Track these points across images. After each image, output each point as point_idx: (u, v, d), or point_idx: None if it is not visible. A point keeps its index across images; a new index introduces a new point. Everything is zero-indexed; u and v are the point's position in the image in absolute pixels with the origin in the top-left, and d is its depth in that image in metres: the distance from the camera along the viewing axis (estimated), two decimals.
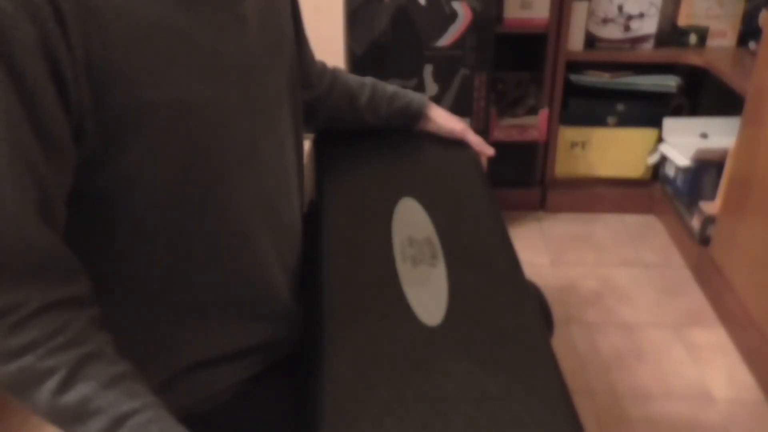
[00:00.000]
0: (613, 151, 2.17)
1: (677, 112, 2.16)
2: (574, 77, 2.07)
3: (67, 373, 0.57)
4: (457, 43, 1.79)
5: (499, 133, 2.08)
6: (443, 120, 1.09)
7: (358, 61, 1.79)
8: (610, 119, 2.13)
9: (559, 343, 1.65)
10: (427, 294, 0.76)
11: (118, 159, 0.61)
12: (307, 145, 1.01)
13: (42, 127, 0.55)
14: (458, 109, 1.87)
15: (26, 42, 0.51)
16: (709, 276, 1.85)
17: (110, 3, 0.56)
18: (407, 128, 1.11)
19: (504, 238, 0.87)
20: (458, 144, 1.09)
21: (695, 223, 1.94)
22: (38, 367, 0.56)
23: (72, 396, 0.56)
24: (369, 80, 1.07)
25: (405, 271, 0.80)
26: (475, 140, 1.08)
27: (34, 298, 0.57)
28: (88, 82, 0.56)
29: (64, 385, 0.57)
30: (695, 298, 1.87)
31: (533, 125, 2.08)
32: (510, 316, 0.74)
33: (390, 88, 1.09)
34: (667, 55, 2.04)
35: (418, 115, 1.08)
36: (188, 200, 0.67)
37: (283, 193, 0.80)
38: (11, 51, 0.51)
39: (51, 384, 0.56)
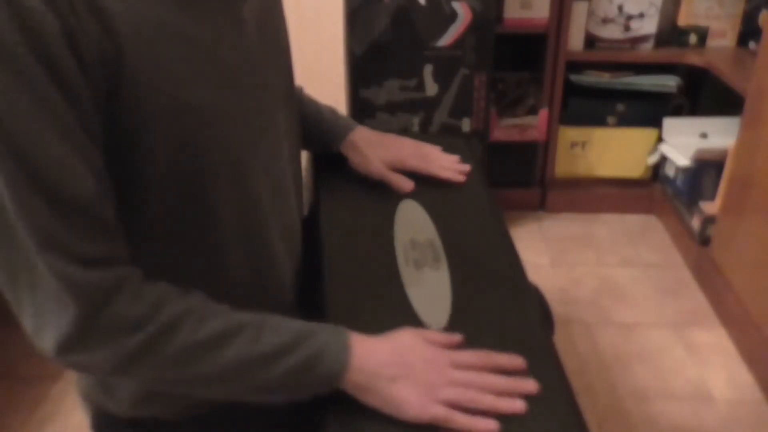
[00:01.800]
0: (613, 151, 2.17)
1: (677, 112, 2.16)
2: (574, 77, 2.07)
3: (201, 307, 0.64)
4: (457, 43, 1.79)
5: (499, 133, 2.08)
6: (361, 159, 1.00)
7: (358, 61, 1.79)
8: (610, 119, 2.13)
9: (559, 343, 1.65)
10: (431, 297, 0.76)
11: (121, 159, 0.61)
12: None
13: (83, 115, 0.56)
14: (458, 109, 1.87)
15: (56, 35, 0.52)
16: (709, 276, 1.85)
17: (116, 5, 0.56)
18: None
19: (506, 239, 0.88)
20: (457, 145, 1.09)
21: (695, 223, 1.94)
22: (175, 312, 0.62)
23: (213, 323, 0.63)
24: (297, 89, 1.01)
25: (408, 274, 0.80)
26: (395, 179, 0.98)
27: (135, 269, 0.63)
28: (103, 79, 0.56)
29: (203, 318, 0.63)
30: (695, 298, 1.87)
31: (533, 125, 2.08)
32: (513, 319, 0.74)
33: (309, 108, 1.02)
34: (667, 55, 2.05)
35: (327, 149, 1.02)
36: (194, 198, 0.68)
37: (281, 194, 0.80)
38: (46, 44, 0.52)
39: (189, 323, 0.62)
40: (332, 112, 1.05)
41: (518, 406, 0.64)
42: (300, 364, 0.64)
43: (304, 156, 1.00)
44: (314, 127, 1.01)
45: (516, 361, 0.68)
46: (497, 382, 0.66)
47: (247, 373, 0.64)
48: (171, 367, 0.63)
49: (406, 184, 0.98)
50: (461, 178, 1.00)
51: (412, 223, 0.89)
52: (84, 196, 0.57)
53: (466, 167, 1.02)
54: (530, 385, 0.66)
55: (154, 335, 0.60)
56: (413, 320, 0.73)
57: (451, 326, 0.73)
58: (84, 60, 0.55)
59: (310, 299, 0.84)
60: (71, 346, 0.59)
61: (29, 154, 0.54)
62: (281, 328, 0.66)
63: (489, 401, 0.65)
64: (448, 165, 1.02)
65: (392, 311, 0.75)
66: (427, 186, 0.98)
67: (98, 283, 0.59)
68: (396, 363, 0.67)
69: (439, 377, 0.66)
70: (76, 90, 0.55)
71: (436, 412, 0.64)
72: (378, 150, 1.00)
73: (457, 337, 0.71)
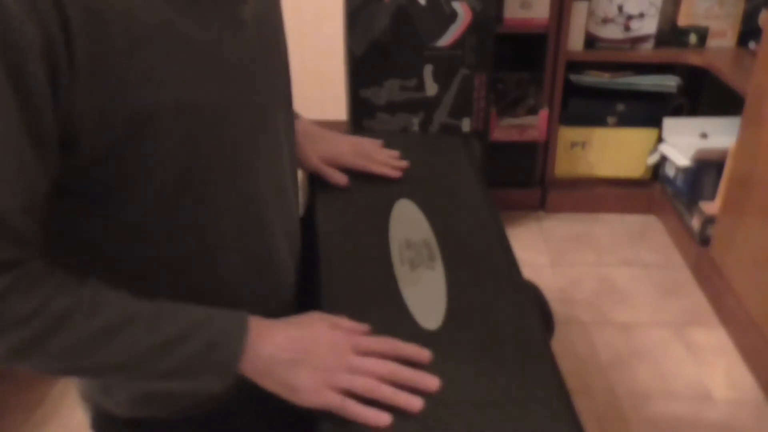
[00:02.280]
0: (613, 151, 2.17)
1: (677, 112, 2.16)
2: (574, 77, 2.07)
3: (92, 298, 0.62)
4: (457, 43, 1.79)
5: (499, 133, 2.08)
6: (299, 152, 0.97)
7: (358, 61, 1.79)
8: (610, 119, 2.13)
9: (558, 343, 1.65)
10: (426, 297, 0.76)
11: (122, 161, 0.62)
12: None
13: (37, 129, 0.55)
14: (458, 109, 1.87)
15: (31, 44, 0.52)
16: (709, 276, 1.85)
17: (115, 7, 0.56)
18: None
19: (501, 237, 0.87)
20: (452, 144, 1.09)
21: (695, 223, 1.94)
22: (65, 304, 0.60)
23: (106, 312, 0.62)
24: None
25: (403, 274, 0.80)
26: (330, 173, 0.99)
27: (35, 264, 0.60)
28: (86, 86, 0.56)
29: (96, 308, 0.61)
30: (695, 298, 1.87)
31: (533, 125, 2.08)
32: (509, 319, 0.74)
33: None
34: (667, 55, 2.04)
35: None
36: (194, 198, 0.68)
37: (281, 193, 0.80)
38: (15, 52, 0.51)
39: (81, 313, 0.60)
40: None
41: (415, 403, 0.63)
42: (195, 352, 0.64)
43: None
44: None
45: (422, 353, 0.67)
46: (399, 373, 0.65)
47: (143, 362, 0.63)
48: (62, 358, 0.61)
49: (341, 179, 0.98)
50: (397, 174, 1.00)
51: (408, 223, 0.89)
52: (4, 207, 0.55)
53: (403, 163, 1.02)
54: (432, 382, 0.65)
55: (41, 329, 0.59)
56: (408, 320, 0.73)
57: (446, 326, 0.73)
58: (57, 71, 0.54)
59: (306, 299, 0.84)
60: None
61: None
62: (178, 316, 0.65)
63: (387, 393, 0.64)
64: (384, 161, 1.02)
65: (387, 311, 0.75)
66: (422, 185, 0.97)
67: None
68: (294, 348, 0.66)
69: (337, 362, 0.65)
70: (37, 102, 0.54)
71: (329, 399, 0.63)
72: (317, 145, 1.01)
73: (364, 327, 0.70)
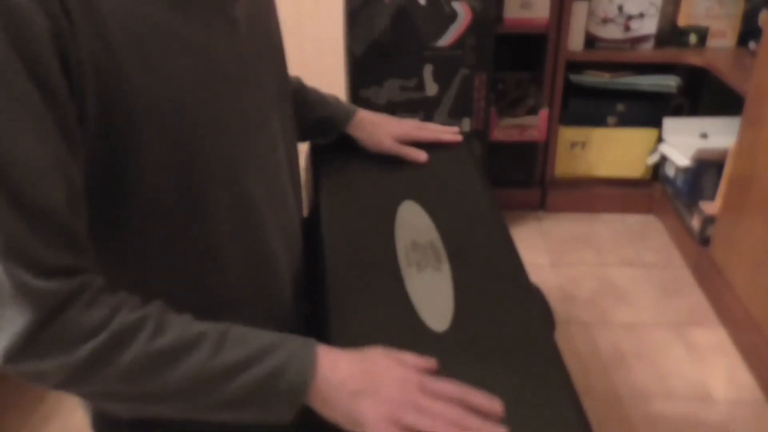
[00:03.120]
0: (613, 151, 2.17)
1: (677, 112, 2.16)
2: (574, 77, 2.07)
3: (158, 316, 0.61)
4: (457, 43, 1.79)
5: (499, 133, 2.08)
6: (371, 137, 1.05)
7: (358, 61, 1.79)
8: (610, 119, 2.13)
9: (559, 343, 1.65)
10: (433, 299, 0.76)
11: (121, 160, 0.61)
12: (302, 150, 1.00)
13: (61, 120, 0.55)
14: (458, 109, 1.87)
15: (42, 34, 0.52)
16: (709, 276, 1.85)
17: (109, 3, 0.56)
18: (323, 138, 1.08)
19: (506, 239, 0.87)
20: (454, 145, 1.09)
21: (695, 223, 1.94)
22: (130, 320, 0.59)
23: (170, 334, 0.61)
24: (295, 80, 1.04)
25: (410, 276, 0.79)
26: (409, 151, 1.05)
27: (96, 278, 0.60)
28: (90, 81, 0.56)
29: (160, 328, 0.60)
30: (695, 298, 1.87)
31: (533, 125, 2.08)
32: (516, 320, 0.74)
33: (313, 95, 1.06)
34: (667, 55, 2.05)
35: (336, 131, 1.06)
36: (190, 198, 0.67)
37: (277, 193, 0.80)
38: (29, 42, 0.51)
39: (146, 332, 0.60)
40: (334, 97, 1.08)
41: None
42: (264, 377, 0.62)
43: (303, 156, 1.00)
44: (320, 111, 1.05)
45: (494, 405, 0.63)
46: (466, 421, 0.61)
47: (209, 387, 0.61)
48: (124, 379, 0.59)
49: (421, 155, 1.04)
50: (458, 138, 1.10)
51: (413, 225, 0.88)
52: (52, 203, 0.55)
53: (457, 129, 1.11)
54: None
55: (105, 344, 0.58)
56: (416, 322, 0.73)
57: (454, 327, 0.73)
58: (70, 62, 0.54)
59: (312, 302, 0.84)
60: (20, 353, 0.57)
61: None
62: (246, 340, 0.64)
63: None
64: (442, 130, 1.10)
65: (395, 313, 0.74)
66: (427, 187, 0.97)
67: (55, 291, 0.56)
68: (363, 378, 0.63)
69: (405, 399, 0.62)
70: (57, 93, 0.54)
71: None
72: (386, 128, 1.06)
73: (432, 363, 0.67)
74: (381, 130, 1.05)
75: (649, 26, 2.02)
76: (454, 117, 1.88)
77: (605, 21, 2.02)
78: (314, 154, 1.09)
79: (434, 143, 1.07)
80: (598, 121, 2.14)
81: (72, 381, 0.59)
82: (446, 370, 0.67)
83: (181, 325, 0.62)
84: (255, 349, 0.63)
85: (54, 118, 0.54)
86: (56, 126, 0.55)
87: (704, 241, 1.89)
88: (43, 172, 0.54)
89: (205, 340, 0.62)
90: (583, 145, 2.17)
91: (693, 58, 2.00)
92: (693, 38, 2.05)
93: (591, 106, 2.11)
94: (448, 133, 1.09)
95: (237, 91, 0.70)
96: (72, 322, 0.57)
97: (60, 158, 0.56)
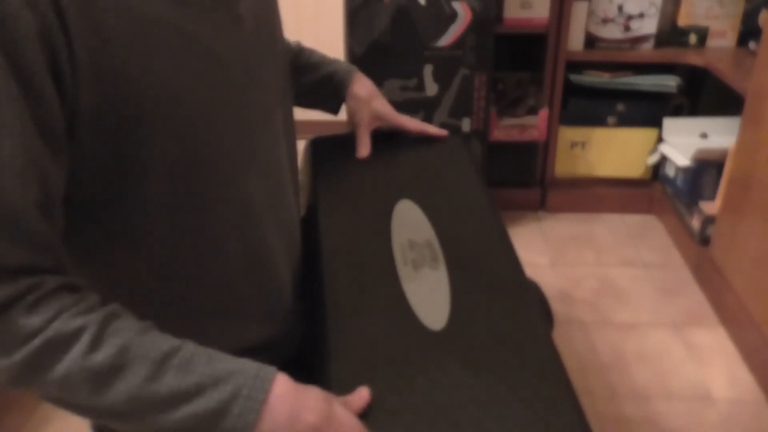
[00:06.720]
0: (613, 151, 2.17)
1: (677, 112, 2.16)
2: (574, 77, 2.07)
3: (97, 329, 0.56)
4: (457, 43, 1.79)
5: (499, 133, 2.08)
6: (358, 110, 1.05)
7: (358, 61, 1.79)
8: (610, 119, 2.13)
9: (558, 343, 1.65)
10: (430, 297, 0.76)
11: (123, 156, 0.61)
12: (299, 149, 1.00)
13: (42, 119, 0.54)
14: (458, 109, 1.87)
15: (27, 31, 0.51)
16: (709, 276, 1.85)
17: (109, 0, 0.56)
18: (331, 106, 1.07)
19: (504, 238, 0.87)
20: (451, 143, 1.09)
21: (695, 223, 1.94)
22: (66, 330, 0.55)
23: (106, 350, 0.55)
24: (295, 44, 1.04)
25: (406, 275, 0.79)
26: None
27: (49, 280, 0.56)
28: (86, 78, 0.56)
29: (96, 342, 0.55)
30: (695, 298, 1.87)
31: (533, 125, 2.08)
32: (513, 318, 0.74)
33: (315, 56, 1.06)
34: (667, 55, 2.04)
35: (341, 86, 1.04)
36: (192, 197, 0.68)
37: (278, 192, 0.80)
38: (13, 39, 0.51)
39: (81, 345, 0.55)
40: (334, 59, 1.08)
41: None
42: (204, 413, 0.56)
43: (301, 155, 1.00)
44: (324, 69, 1.04)
45: None
46: None
47: (147, 411, 0.57)
48: (63, 390, 0.56)
49: (366, 150, 1.03)
50: (444, 132, 1.10)
51: (410, 224, 0.88)
52: (18, 202, 0.53)
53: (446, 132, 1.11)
54: None
55: (39, 350, 0.54)
56: (413, 320, 0.73)
57: (450, 326, 0.72)
58: (59, 60, 0.53)
59: (309, 301, 0.84)
60: None
61: None
62: (192, 366, 0.58)
63: None
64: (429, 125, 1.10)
65: (391, 312, 0.74)
66: (424, 186, 0.97)
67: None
68: (318, 422, 0.59)
69: None
70: (40, 92, 0.53)
71: None
72: (377, 100, 1.05)
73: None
74: (377, 103, 1.05)
75: (649, 26, 2.02)
76: (454, 117, 1.88)
77: (605, 21, 2.02)
78: (311, 153, 1.09)
79: (421, 135, 1.08)
80: (598, 121, 2.14)
81: (14, 383, 0.57)
82: (443, 369, 0.67)
83: (121, 340, 0.56)
84: (198, 380, 0.57)
85: (34, 117, 0.53)
86: (36, 125, 0.54)
87: (704, 241, 1.89)
88: (13, 171, 0.53)
89: (143, 362, 0.56)
90: (583, 145, 2.17)
91: (693, 58, 2.00)
92: (693, 38, 2.05)
93: (591, 106, 2.11)
94: (434, 128, 1.10)
95: (241, 90, 0.70)
96: (12, 324, 0.54)
97: (36, 158, 0.54)
